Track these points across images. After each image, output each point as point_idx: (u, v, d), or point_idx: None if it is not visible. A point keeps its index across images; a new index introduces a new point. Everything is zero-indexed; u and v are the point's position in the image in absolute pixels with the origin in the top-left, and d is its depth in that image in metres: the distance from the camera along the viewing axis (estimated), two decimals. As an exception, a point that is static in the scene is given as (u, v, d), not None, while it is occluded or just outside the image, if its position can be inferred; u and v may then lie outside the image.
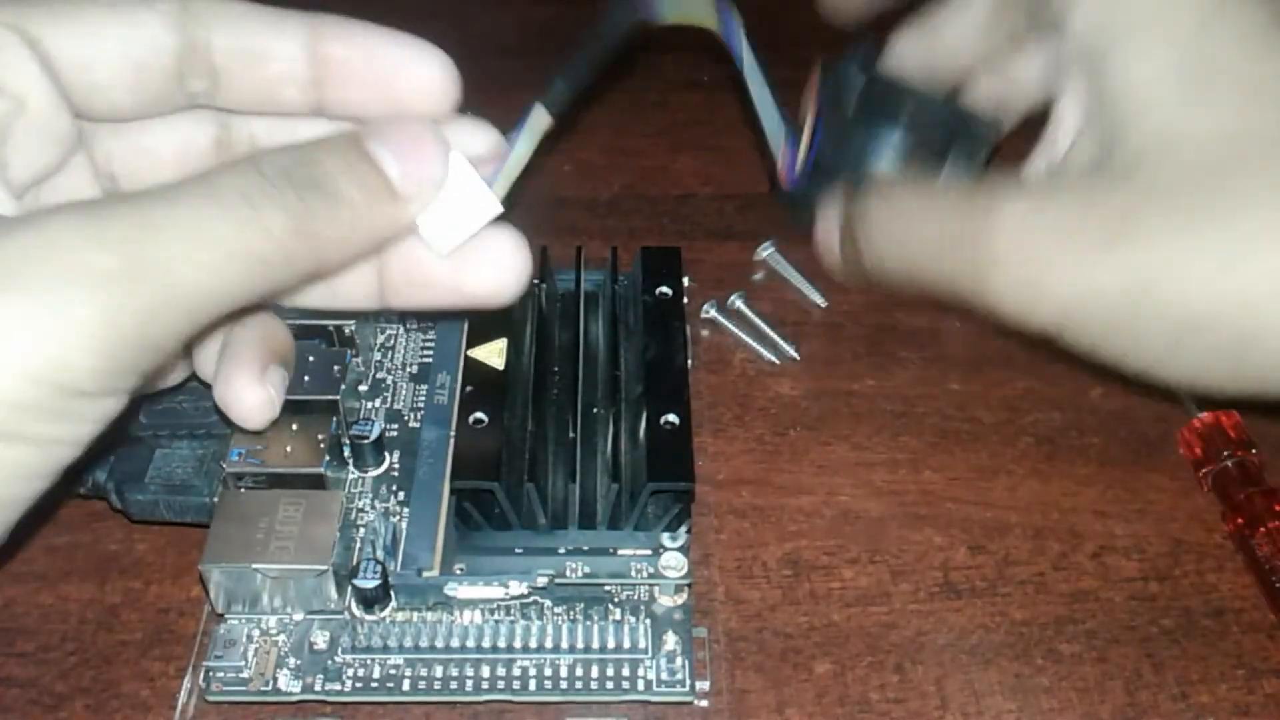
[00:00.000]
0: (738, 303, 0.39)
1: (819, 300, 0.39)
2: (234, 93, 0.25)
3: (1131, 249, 0.23)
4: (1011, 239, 0.25)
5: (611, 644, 0.29)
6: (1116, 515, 0.33)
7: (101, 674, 0.30)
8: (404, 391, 0.35)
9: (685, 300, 0.35)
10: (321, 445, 0.30)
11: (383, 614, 0.30)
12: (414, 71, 0.24)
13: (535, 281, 0.35)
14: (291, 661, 0.29)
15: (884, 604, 0.31)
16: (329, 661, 0.29)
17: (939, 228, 0.26)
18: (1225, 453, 0.33)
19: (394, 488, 0.32)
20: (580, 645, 0.29)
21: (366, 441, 0.32)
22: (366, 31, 0.25)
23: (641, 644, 0.29)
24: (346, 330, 0.33)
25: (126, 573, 0.32)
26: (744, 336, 0.38)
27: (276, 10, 0.25)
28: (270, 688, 0.28)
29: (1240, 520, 0.32)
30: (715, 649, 0.30)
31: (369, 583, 0.29)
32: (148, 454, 0.32)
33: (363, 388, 0.35)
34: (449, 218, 0.24)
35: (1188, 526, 0.33)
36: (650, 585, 0.30)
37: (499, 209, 0.24)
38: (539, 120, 0.25)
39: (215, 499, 0.30)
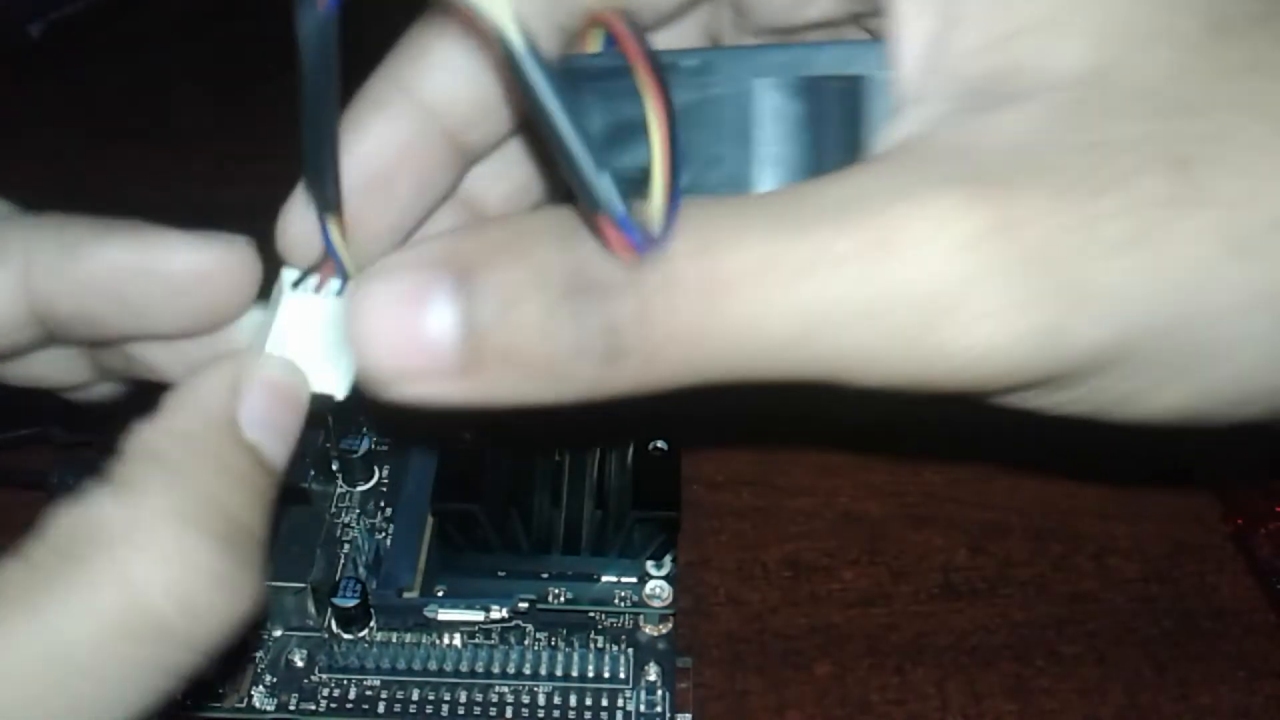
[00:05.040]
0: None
1: None
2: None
3: None
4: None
5: (592, 672, 0.29)
6: (1117, 516, 0.33)
7: (102, 676, 0.30)
8: None
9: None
10: (307, 459, 0.30)
11: (362, 634, 0.29)
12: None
13: None
14: (267, 678, 0.29)
15: (884, 605, 0.31)
16: (305, 680, 0.29)
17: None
18: (1225, 453, 0.33)
19: (381, 504, 0.32)
20: (560, 673, 0.29)
21: (355, 456, 0.32)
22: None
23: (622, 674, 0.29)
24: None
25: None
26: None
27: None
28: (245, 705, 0.28)
29: (1240, 521, 0.32)
30: (714, 653, 0.30)
31: (348, 602, 0.29)
32: None
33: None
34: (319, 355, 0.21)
35: (1188, 528, 0.33)
36: (634, 614, 0.30)
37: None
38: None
39: None
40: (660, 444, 0.30)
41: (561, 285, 0.17)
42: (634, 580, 0.30)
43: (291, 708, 0.28)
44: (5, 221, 0.20)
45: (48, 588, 0.16)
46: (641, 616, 0.30)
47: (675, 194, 0.17)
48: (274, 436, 0.19)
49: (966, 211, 0.15)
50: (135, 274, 0.20)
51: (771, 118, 0.20)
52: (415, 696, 0.28)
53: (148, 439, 0.18)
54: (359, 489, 0.32)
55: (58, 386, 0.22)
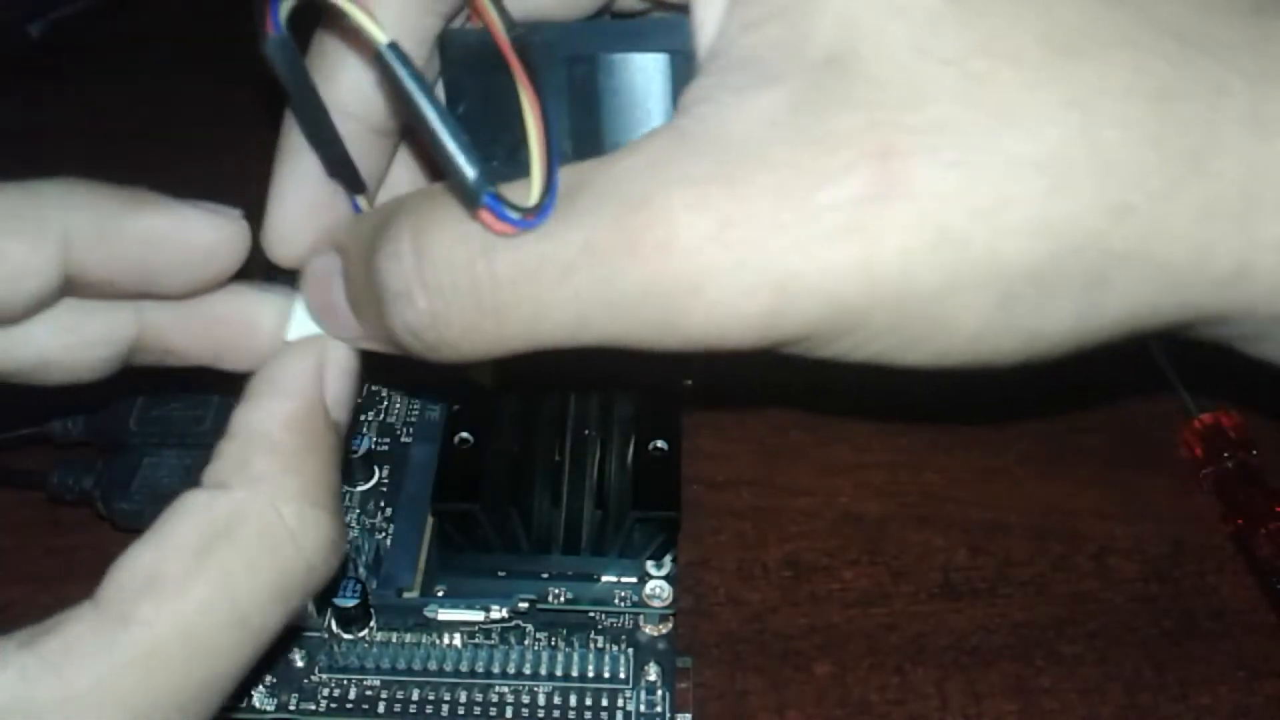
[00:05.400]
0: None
1: None
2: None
3: None
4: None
5: (592, 672, 0.29)
6: (1117, 516, 0.33)
7: (101, 676, 0.30)
8: (398, 405, 0.34)
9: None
10: None
11: (362, 634, 0.29)
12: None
13: None
14: (267, 678, 0.29)
15: (884, 605, 0.31)
16: (305, 680, 0.29)
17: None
18: (1225, 454, 0.33)
19: (381, 504, 0.32)
20: (560, 673, 0.29)
21: (355, 456, 0.32)
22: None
23: (622, 674, 0.29)
24: None
25: (126, 575, 0.32)
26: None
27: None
28: (245, 704, 0.28)
29: (1240, 521, 0.32)
30: (714, 653, 0.30)
31: (348, 602, 0.28)
32: (135, 461, 0.31)
33: (356, 400, 0.34)
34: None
35: (1188, 527, 0.33)
36: (634, 614, 0.30)
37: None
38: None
39: None
40: (660, 444, 0.30)
41: (379, 289, 0.20)
42: (634, 580, 0.30)
43: (291, 708, 0.28)
44: (41, 193, 0.22)
45: (212, 561, 0.19)
46: (641, 616, 0.30)
47: (552, 172, 0.19)
48: (345, 412, 0.23)
49: (701, 212, 0.18)
50: (159, 244, 0.22)
51: (616, 89, 0.22)
52: (415, 696, 0.28)
53: (259, 427, 0.21)
54: (359, 489, 0.32)
55: (53, 364, 0.23)
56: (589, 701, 0.28)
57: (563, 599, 0.30)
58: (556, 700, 0.28)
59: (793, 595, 0.32)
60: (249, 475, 0.20)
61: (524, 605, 0.29)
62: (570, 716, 0.28)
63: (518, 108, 0.20)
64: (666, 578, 0.30)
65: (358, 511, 0.32)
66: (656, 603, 0.30)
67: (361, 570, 0.30)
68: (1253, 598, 0.31)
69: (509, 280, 0.19)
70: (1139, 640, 0.31)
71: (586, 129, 0.22)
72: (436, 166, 0.19)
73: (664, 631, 0.30)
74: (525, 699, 0.28)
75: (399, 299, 0.20)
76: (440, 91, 0.24)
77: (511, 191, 0.19)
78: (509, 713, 0.28)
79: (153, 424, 0.32)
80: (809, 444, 0.35)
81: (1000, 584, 0.32)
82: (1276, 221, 0.18)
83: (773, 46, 0.19)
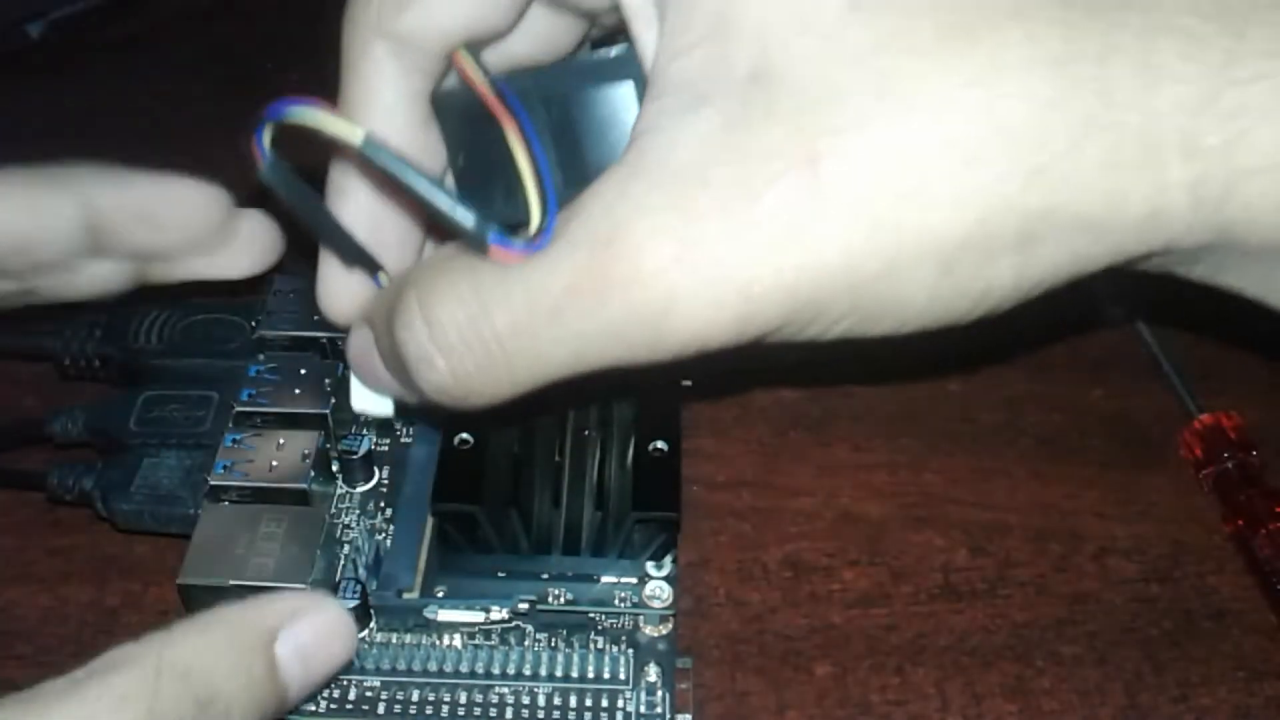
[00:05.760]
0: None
1: None
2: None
3: None
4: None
5: (592, 673, 0.29)
6: (1117, 517, 0.33)
7: (101, 677, 0.30)
8: None
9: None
10: (307, 460, 0.30)
11: (362, 634, 0.29)
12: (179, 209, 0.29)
13: None
14: None
15: (884, 606, 0.31)
16: None
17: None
18: (1226, 454, 0.33)
19: (382, 504, 0.32)
20: (560, 674, 0.29)
21: (355, 457, 0.32)
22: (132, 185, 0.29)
23: (622, 674, 0.29)
24: (340, 343, 0.33)
25: (125, 575, 0.32)
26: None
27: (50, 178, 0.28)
28: None
29: (1241, 522, 0.32)
30: (714, 654, 0.30)
31: (348, 602, 0.28)
32: (135, 462, 0.31)
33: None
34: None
35: (1188, 528, 0.33)
36: (634, 614, 0.30)
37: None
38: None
39: (199, 511, 0.30)
40: (660, 444, 0.30)
41: (403, 358, 0.23)
42: (634, 581, 0.30)
43: (292, 708, 0.28)
44: (68, 167, 0.28)
45: (79, 689, 0.21)
46: (641, 617, 0.30)
47: (547, 200, 0.21)
48: (300, 663, 0.24)
49: (661, 240, 0.20)
50: (158, 199, 0.28)
51: (591, 121, 0.24)
52: (415, 697, 0.28)
53: (221, 611, 0.23)
54: (359, 490, 0.32)
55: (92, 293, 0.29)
56: (589, 702, 0.28)
57: (563, 600, 0.30)
58: (556, 701, 0.28)
59: (793, 595, 0.32)
60: (160, 634, 0.22)
61: (524, 606, 0.29)
62: (570, 717, 0.28)
63: (510, 150, 0.22)
64: (666, 578, 0.30)
65: (358, 512, 0.32)
66: (656, 603, 0.29)
67: (361, 571, 0.30)
68: (1253, 598, 0.31)
69: (508, 331, 0.21)
70: (1139, 640, 0.31)
71: (572, 160, 0.24)
72: (437, 225, 0.22)
73: (664, 632, 0.29)
74: (525, 700, 0.28)
75: (421, 364, 0.22)
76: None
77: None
78: (509, 713, 0.28)
79: (153, 424, 0.32)
80: (809, 444, 0.35)
81: (1000, 584, 0.32)
82: (1180, 164, 0.19)
83: (701, 70, 0.20)
